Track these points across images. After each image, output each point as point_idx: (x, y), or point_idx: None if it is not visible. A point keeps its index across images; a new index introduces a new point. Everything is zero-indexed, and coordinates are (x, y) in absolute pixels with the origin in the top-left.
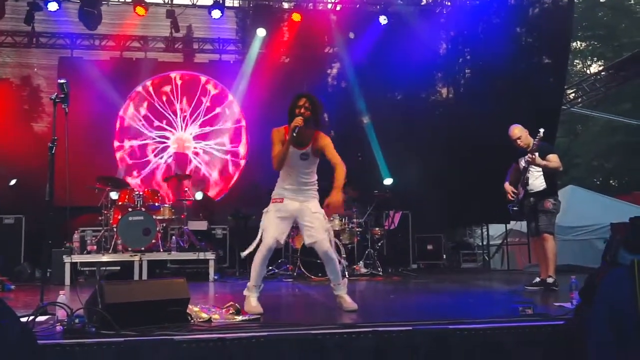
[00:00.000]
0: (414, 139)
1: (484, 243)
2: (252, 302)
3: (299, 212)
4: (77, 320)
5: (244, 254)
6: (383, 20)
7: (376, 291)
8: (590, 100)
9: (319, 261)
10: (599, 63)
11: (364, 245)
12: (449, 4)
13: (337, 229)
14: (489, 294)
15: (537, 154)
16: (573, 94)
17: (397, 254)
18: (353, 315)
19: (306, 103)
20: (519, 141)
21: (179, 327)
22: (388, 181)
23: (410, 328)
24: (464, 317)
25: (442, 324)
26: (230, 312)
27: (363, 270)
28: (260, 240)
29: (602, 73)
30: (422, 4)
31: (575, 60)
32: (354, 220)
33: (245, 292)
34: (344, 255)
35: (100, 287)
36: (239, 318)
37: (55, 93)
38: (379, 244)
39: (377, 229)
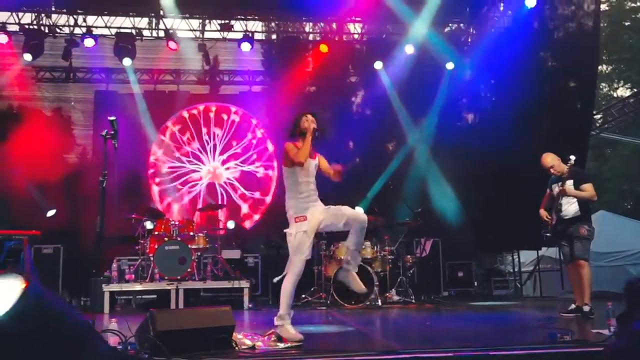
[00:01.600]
0: (441, 165)
1: (515, 270)
2: (291, 330)
3: (321, 216)
4: (129, 347)
5: (277, 279)
6: (409, 49)
7: (411, 318)
8: (618, 125)
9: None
10: (626, 86)
11: (396, 272)
12: (474, 31)
13: (369, 256)
14: (524, 321)
15: (570, 183)
16: (601, 119)
17: (428, 281)
18: (393, 342)
19: (314, 119)
20: (552, 170)
21: (226, 354)
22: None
23: (451, 354)
24: (502, 344)
25: (481, 350)
26: (272, 339)
27: (395, 297)
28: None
29: (631, 100)
30: (446, 31)
31: (602, 84)
32: (386, 248)
33: (277, 322)
34: (377, 283)
35: (152, 315)
36: (281, 345)
37: (106, 130)
38: (411, 272)
39: (408, 256)
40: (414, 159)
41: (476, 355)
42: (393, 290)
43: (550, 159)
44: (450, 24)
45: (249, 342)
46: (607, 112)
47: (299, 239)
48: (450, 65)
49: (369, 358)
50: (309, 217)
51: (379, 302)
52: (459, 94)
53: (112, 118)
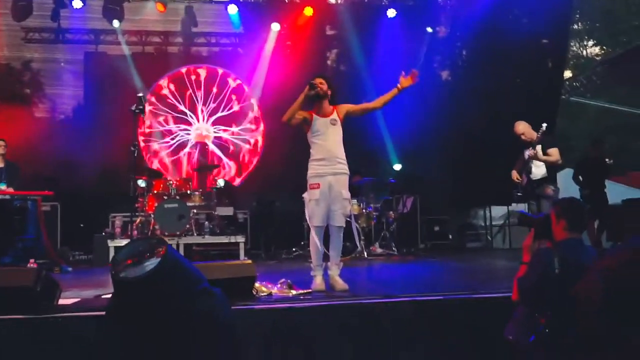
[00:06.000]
0: (417, 124)
1: (487, 224)
2: (317, 281)
3: (331, 195)
4: None
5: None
6: (391, 13)
7: (397, 268)
8: (587, 89)
9: None
10: (597, 47)
11: (380, 227)
12: None
13: (355, 213)
14: (494, 271)
15: (539, 147)
16: (572, 82)
17: (407, 235)
18: (392, 288)
19: (322, 80)
20: (522, 137)
21: (253, 300)
22: (397, 167)
23: (442, 297)
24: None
25: (467, 294)
26: (285, 287)
27: (379, 250)
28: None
29: (598, 68)
30: None
31: (572, 42)
32: (371, 205)
33: (312, 273)
34: (362, 237)
35: None
36: (293, 292)
37: (135, 104)
38: (393, 227)
39: (391, 212)
40: (394, 119)
41: (463, 297)
42: (377, 243)
43: (521, 127)
44: None
45: (266, 290)
46: (577, 78)
47: (311, 208)
48: (429, 29)
49: (373, 301)
50: (323, 184)
51: (365, 255)
52: (434, 52)
53: (140, 95)
